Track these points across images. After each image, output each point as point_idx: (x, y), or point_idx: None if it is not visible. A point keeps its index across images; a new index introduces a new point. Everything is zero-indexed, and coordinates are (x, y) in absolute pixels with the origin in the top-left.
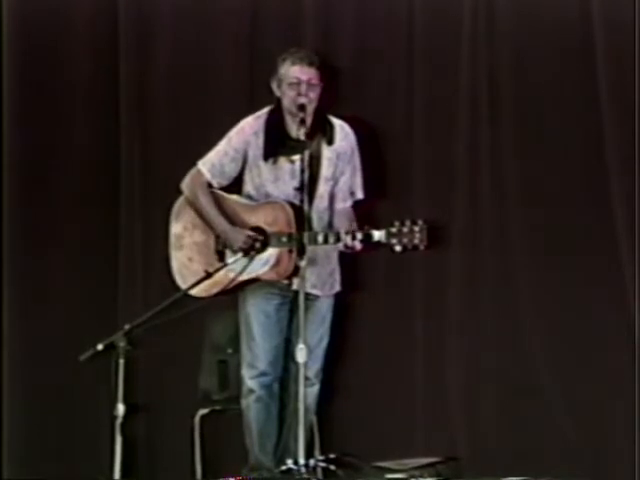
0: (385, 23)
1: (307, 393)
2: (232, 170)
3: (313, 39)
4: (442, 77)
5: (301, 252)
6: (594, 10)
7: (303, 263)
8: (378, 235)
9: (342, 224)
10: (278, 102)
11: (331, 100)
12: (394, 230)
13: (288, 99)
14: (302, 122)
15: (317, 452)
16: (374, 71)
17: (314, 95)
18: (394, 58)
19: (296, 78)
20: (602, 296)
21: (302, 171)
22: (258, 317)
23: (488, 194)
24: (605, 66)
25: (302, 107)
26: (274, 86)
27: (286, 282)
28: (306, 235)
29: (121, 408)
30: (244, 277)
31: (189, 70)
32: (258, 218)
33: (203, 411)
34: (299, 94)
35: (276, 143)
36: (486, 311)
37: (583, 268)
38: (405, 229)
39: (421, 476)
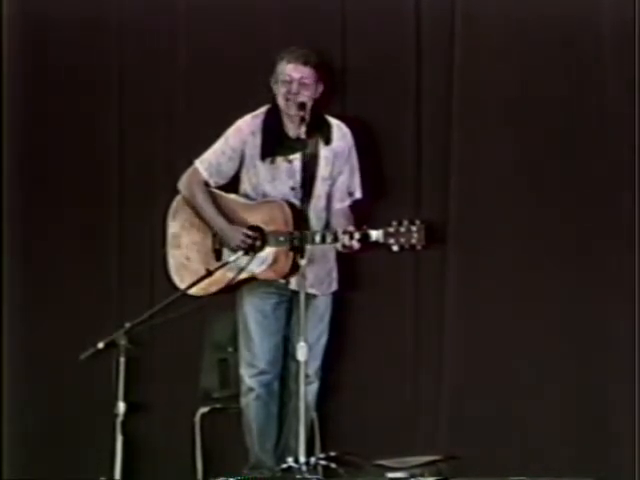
0: (388, 23)
1: (307, 391)
2: (229, 169)
3: (314, 39)
4: (442, 77)
5: (301, 251)
6: (600, 9)
7: (303, 262)
8: (375, 235)
9: (340, 224)
10: (275, 101)
11: (329, 100)
12: (391, 230)
13: (280, 96)
14: (302, 120)
15: (318, 450)
16: (375, 71)
17: (307, 93)
18: (396, 59)
19: (289, 76)
20: (602, 295)
21: (303, 169)
22: (256, 316)
23: (488, 194)
24: (610, 65)
25: (302, 105)
26: (272, 84)
27: (283, 281)
28: (304, 234)
29: (122, 406)
30: (242, 276)
31: (191, 69)
32: (256, 217)
33: (204, 409)
34: (289, 92)
35: (274, 143)
36: (485, 310)
37: (583, 268)
38: (402, 229)
39: (422, 474)
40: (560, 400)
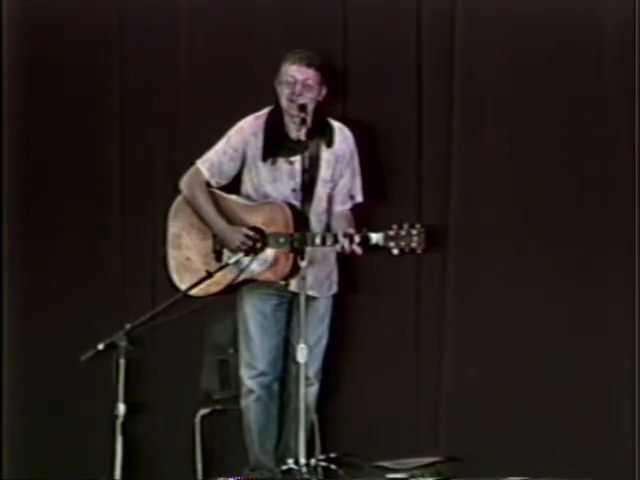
0: (389, 24)
1: (307, 392)
2: (231, 170)
3: (315, 40)
4: (442, 78)
5: (301, 253)
6: (601, 9)
7: (304, 264)
8: (376, 238)
9: (340, 227)
10: (278, 102)
11: (331, 102)
12: (392, 233)
13: (283, 98)
14: (303, 122)
15: (318, 452)
16: (376, 74)
17: (310, 95)
18: (396, 60)
19: (292, 77)
20: (602, 295)
21: (304, 171)
22: (256, 317)
23: (488, 195)
24: (611, 65)
25: (303, 107)
26: (275, 85)
27: (283, 283)
28: (304, 236)
29: (122, 408)
30: (242, 277)
31: (192, 68)
32: (256, 218)
33: (204, 411)
34: (293, 93)
35: (275, 144)
36: (485, 311)
37: (583, 268)
38: (403, 232)
39: (422, 475)
40: (560, 400)
